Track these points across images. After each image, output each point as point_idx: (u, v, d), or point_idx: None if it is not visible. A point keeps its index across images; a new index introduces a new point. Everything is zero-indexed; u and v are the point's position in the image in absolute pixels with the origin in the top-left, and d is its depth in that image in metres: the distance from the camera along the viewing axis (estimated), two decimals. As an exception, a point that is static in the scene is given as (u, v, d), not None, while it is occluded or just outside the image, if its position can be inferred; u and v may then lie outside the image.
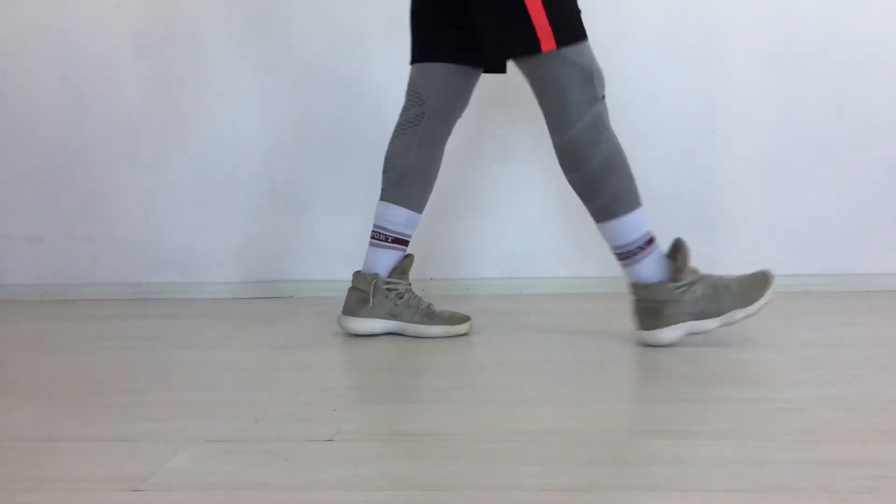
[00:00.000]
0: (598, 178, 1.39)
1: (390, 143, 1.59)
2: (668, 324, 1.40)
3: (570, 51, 1.35)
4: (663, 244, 2.07)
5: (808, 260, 2.06)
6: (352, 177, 2.13)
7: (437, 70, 1.53)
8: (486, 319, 1.76)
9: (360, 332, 1.55)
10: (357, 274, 1.58)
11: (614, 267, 2.14)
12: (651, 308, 1.41)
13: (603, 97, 1.38)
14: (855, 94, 2.00)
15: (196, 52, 2.12)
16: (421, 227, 2.12)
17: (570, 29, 1.35)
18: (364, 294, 1.55)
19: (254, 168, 2.15)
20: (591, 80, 1.36)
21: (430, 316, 1.56)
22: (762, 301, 1.40)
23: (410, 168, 1.56)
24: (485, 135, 2.08)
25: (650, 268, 1.42)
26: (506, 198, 2.11)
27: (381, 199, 1.58)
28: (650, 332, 1.42)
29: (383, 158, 1.60)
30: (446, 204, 2.11)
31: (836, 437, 0.95)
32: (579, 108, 1.36)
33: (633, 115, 2.05)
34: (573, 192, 2.11)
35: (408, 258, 1.59)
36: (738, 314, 1.40)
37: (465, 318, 1.59)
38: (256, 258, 2.16)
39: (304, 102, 2.12)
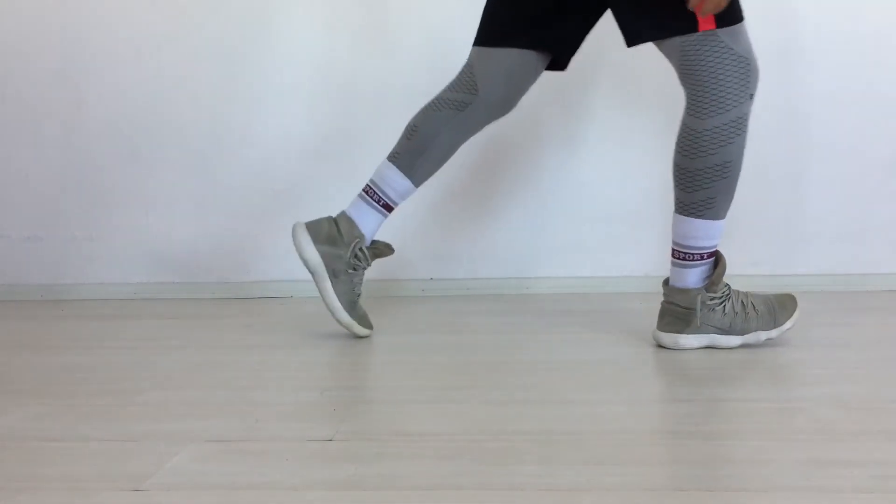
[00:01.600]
0: (710, 176, 1.34)
1: (423, 113, 1.53)
2: (693, 332, 1.39)
3: (728, 33, 1.30)
4: (665, 244, 2.07)
5: (808, 260, 2.06)
6: (352, 177, 2.13)
7: (505, 60, 1.47)
8: (486, 319, 1.76)
9: (304, 256, 1.51)
10: (346, 217, 1.53)
11: (614, 267, 2.15)
12: (680, 312, 1.40)
13: (752, 96, 1.33)
14: (855, 95, 2.00)
15: (196, 52, 2.12)
16: (421, 227, 2.13)
17: (729, 8, 1.29)
18: (337, 236, 1.51)
19: (254, 168, 2.15)
20: (748, 71, 1.31)
21: (352, 305, 1.54)
22: (786, 326, 1.41)
23: (434, 147, 1.51)
24: (484, 134, 2.08)
25: (696, 276, 1.41)
26: (506, 198, 2.11)
27: (391, 160, 1.54)
28: (671, 335, 1.41)
29: (408, 122, 1.54)
30: (446, 204, 2.11)
31: (836, 437, 0.95)
32: (729, 99, 1.31)
33: (633, 115, 2.05)
34: (573, 193, 2.13)
35: (389, 248, 1.57)
36: (762, 336, 1.40)
37: (369, 326, 1.57)
38: (256, 258, 2.16)
39: (305, 102, 2.12)
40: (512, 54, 1.47)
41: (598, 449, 0.93)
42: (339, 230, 1.52)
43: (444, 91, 1.53)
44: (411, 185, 1.54)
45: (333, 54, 2.10)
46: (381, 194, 1.54)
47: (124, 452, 0.96)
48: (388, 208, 1.55)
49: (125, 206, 2.19)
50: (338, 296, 1.52)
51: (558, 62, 1.53)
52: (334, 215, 1.56)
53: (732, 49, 1.30)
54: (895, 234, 2.03)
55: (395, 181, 1.53)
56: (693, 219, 1.38)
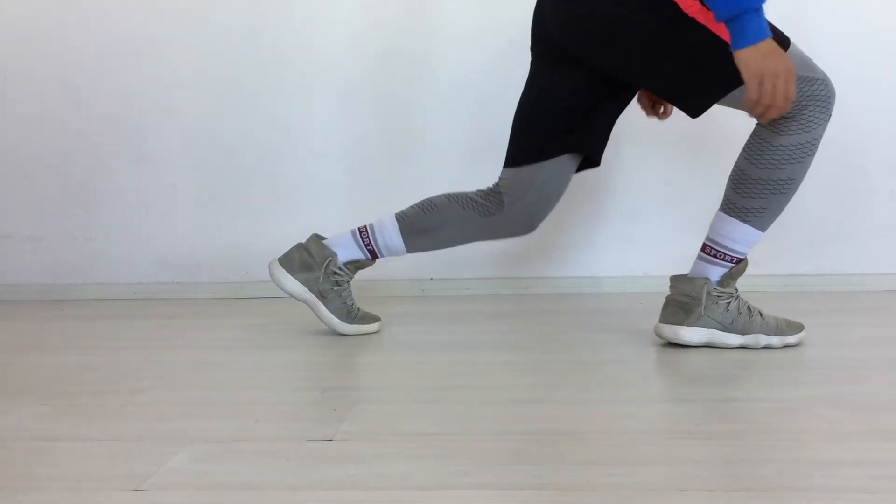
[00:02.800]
0: (770, 188, 1.34)
1: (448, 199, 1.55)
2: (693, 324, 1.39)
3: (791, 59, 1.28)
4: (666, 244, 2.07)
5: (807, 260, 2.06)
6: (352, 177, 2.13)
7: (536, 176, 1.48)
8: (486, 319, 1.76)
9: (287, 290, 1.56)
10: (315, 241, 1.56)
11: (614, 267, 2.15)
12: (683, 302, 1.40)
13: (829, 117, 1.32)
14: (855, 95, 2.00)
15: (196, 53, 2.12)
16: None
17: (776, 38, 1.28)
18: (310, 261, 1.55)
19: (254, 168, 2.15)
20: (828, 94, 1.30)
21: (350, 315, 1.58)
22: (789, 339, 1.41)
23: (442, 234, 1.55)
24: (485, 135, 2.08)
25: (716, 275, 1.40)
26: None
27: (397, 218, 1.56)
28: (672, 326, 1.41)
29: (429, 195, 1.57)
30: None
31: (836, 437, 0.95)
32: (812, 121, 1.30)
33: (634, 116, 2.05)
34: (572, 194, 2.13)
35: (370, 262, 1.59)
36: (762, 340, 1.40)
37: (375, 319, 1.62)
38: (256, 258, 2.16)
39: (305, 102, 2.12)
40: (545, 166, 1.47)
41: (598, 449, 0.93)
42: (310, 254, 1.55)
43: (475, 193, 1.55)
44: (403, 249, 1.57)
45: (333, 54, 2.10)
46: (372, 240, 1.57)
47: (124, 452, 0.96)
48: (374, 255, 1.58)
49: (125, 206, 2.19)
50: (333, 313, 1.57)
51: (591, 159, 1.52)
52: (303, 241, 1.59)
53: (809, 77, 1.29)
54: (895, 234, 2.04)
55: (391, 237, 1.56)
56: (738, 222, 1.38)
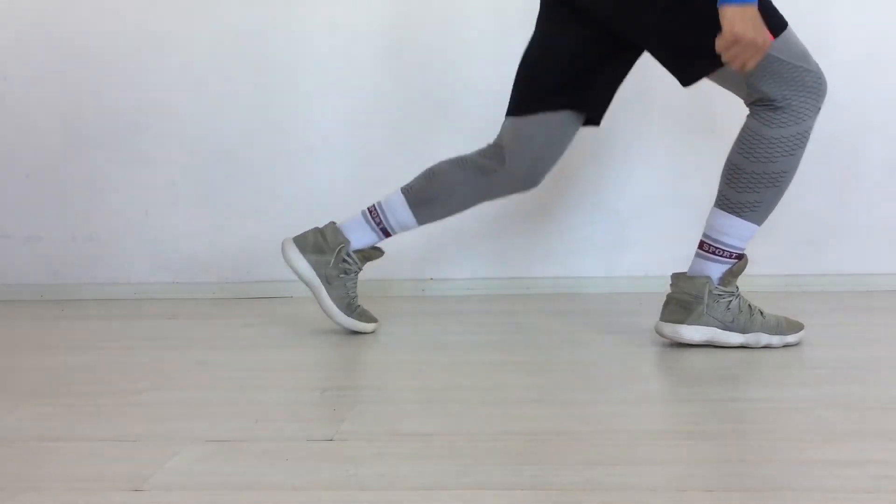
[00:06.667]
0: (762, 181, 1.35)
1: (448, 164, 1.56)
2: (694, 323, 1.39)
3: (782, 41, 1.29)
4: (666, 243, 2.08)
5: (808, 260, 2.06)
6: (352, 177, 2.13)
7: (537, 128, 1.48)
8: (485, 319, 1.76)
9: (294, 268, 1.55)
10: (332, 227, 1.57)
11: (614, 267, 2.15)
12: (684, 301, 1.40)
13: (819, 109, 1.33)
14: (854, 95, 2.00)
15: (196, 53, 2.12)
16: (422, 227, 2.12)
17: (775, 18, 1.29)
18: (323, 244, 1.56)
19: (254, 168, 2.15)
20: (819, 86, 1.31)
21: (350, 307, 1.58)
22: (789, 339, 1.41)
23: (446, 199, 1.55)
24: (485, 135, 2.08)
25: (715, 272, 1.40)
26: (506, 199, 2.11)
27: (403, 192, 1.56)
28: (673, 325, 1.41)
29: (430, 165, 1.57)
30: (446, 204, 2.11)
31: (836, 437, 0.95)
32: (802, 112, 1.31)
33: (633, 116, 2.05)
34: (573, 194, 2.13)
35: (378, 251, 1.60)
36: (763, 339, 1.40)
37: (373, 320, 1.61)
38: (256, 258, 2.16)
39: (305, 102, 2.12)
40: (545, 119, 1.48)
41: (598, 449, 0.93)
42: (324, 238, 1.56)
43: (474, 154, 1.56)
44: (414, 222, 1.57)
45: (333, 55, 2.10)
46: (383, 218, 1.57)
47: (124, 452, 0.96)
48: (386, 233, 1.59)
49: (125, 206, 2.19)
50: (334, 301, 1.57)
51: (592, 118, 1.52)
52: (321, 226, 1.59)
53: (802, 66, 1.30)
54: (895, 234, 2.04)
55: (400, 212, 1.56)
56: (734, 217, 1.38)
